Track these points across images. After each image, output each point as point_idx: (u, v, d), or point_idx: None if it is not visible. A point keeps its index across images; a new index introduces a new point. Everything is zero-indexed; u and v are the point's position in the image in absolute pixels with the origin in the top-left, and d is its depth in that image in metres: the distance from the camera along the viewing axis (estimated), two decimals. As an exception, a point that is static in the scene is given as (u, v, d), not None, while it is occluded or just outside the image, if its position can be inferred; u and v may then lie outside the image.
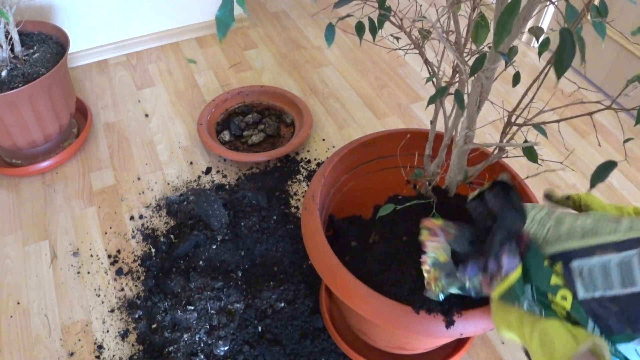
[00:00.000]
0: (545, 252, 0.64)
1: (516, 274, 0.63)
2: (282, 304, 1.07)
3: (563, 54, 0.39)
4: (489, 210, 0.71)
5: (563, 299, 0.60)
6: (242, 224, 1.21)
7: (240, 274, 1.15)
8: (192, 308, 1.05)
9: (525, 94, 0.71)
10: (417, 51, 0.74)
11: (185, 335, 1.02)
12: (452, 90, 0.68)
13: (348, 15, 0.67)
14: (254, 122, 1.55)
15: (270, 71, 1.79)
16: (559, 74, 0.40)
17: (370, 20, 0.68)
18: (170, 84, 1.72)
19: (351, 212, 1.01)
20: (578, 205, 0.73)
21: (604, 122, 1.61)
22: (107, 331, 1.09)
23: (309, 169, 1.44)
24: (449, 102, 1.51)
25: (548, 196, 0.77)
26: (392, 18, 0.69)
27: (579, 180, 1.43)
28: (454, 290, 0.70)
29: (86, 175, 1.41)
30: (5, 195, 1.35)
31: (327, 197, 0.95)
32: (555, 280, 0.61)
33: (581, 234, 0.62)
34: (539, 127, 0.66)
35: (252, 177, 1.40)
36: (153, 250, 1.22)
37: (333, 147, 1.51)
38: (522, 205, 0.68)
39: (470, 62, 0.58)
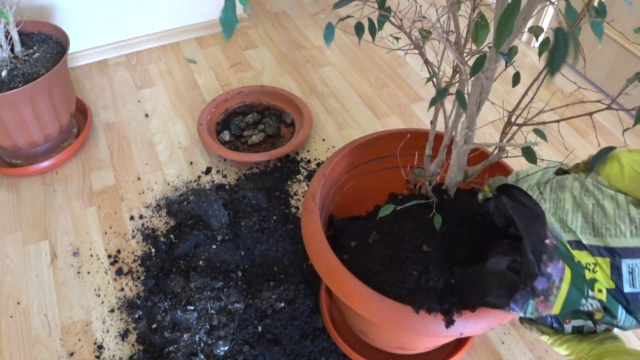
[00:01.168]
0: (587, 239, 0.64)
1: (567, 275, 0.62)
2: (282, 304, 1.07)
3: (556, 53, 0.40)
4: (501, 211, 0.72)
5: (599, 292, 0.61)
6: (242, 224, 1.21)
7: (240, 274, 1.15)
8: (192, 308, 1.05)
9: (525, 93, 0.71)
10: (417, 51, 0.74)
11: (185, 335, 1.02)
12: (452, 90, 0.68)
13: (348, 16, 0.67)
14: (254, 122, 1.55)
15: (270, 71, 1.79)
16: (552, 72, 0.40)
17: (370, 20, 0.68)
18: (170, 84, 1.72)
19: (351, 212, 1.01)
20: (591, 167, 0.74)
21: (604, 122, 1.61)
22: (107, 331, 1.09)
23: (309, 169, 1.44)
24: (449, 102, 1.51)
25: (560, 172, 0.76)
26: (392, 18, 0.69)
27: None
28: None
29: (86, 175, 1.41)
30: (5, 195, 1.35)
31: (327, 197, 0.95)
32: (590, 275, 0.62)
33: (630, 229, 0.63)
34: (539, 131, 0.66)
35: (252, 177, 1.40)
36: (153, 250, 1.22)
37: (333, 147, 1.51)
38: (536, 204, 0.67)
39: (471, 62, 0.58)
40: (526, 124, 0.71)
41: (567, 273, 0.62)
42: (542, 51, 0.65)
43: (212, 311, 1.06)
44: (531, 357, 1.07)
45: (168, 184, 1.40)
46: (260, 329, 1.05)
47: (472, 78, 0.65)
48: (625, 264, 0.61)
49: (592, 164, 0.67)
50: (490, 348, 1.08)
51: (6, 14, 1.21)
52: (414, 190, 0.90)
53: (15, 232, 1.27)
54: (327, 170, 0.91)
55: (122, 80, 1.73)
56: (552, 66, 0.40)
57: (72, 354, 1.06)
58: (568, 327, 0.70)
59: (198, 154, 1.48)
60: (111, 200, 1.35)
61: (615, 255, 0.62)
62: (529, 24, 1.86)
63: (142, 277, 1.18)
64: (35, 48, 1.34)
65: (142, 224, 1.29)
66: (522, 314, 0.65)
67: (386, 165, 1.02)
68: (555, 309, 0.63)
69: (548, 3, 0.54)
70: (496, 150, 0.78)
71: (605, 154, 0.66)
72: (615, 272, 0.62)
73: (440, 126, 0.80)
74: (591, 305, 0.62)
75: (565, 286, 0.62)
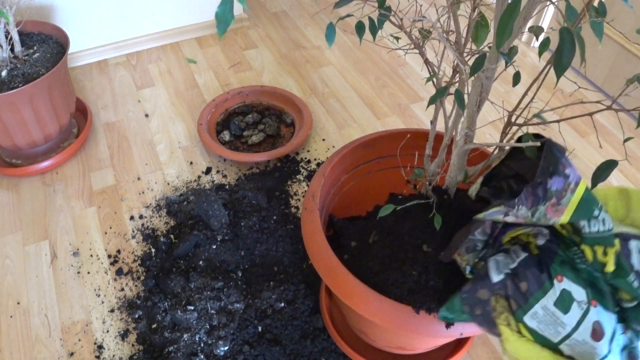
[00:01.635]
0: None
1: (582, 187, 0.61)
2: (282, 304, 1.07)
3: (562, 54, 0.40)
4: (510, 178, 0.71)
5: (604, 256, 0.63)
6: (242, 224, 1.21)
7: (240, 274, 1.15)
8: (192, 308, 1.05)
9: (525, 94, 0.71)
10: (417, 51, 0.74)
11: (185, 335, 1.02)
12: (452, 90, 0.68)
13: (348, 15, 0.67)
14: (254, 122, 1.55)
15: (270, 71, 1.79)
16: (559, 73, 0.40)
17: (371, 20, 0.68)
18: (170, 84, 1.72)
19: (351, 212, 1.01)
20: None
21: (604, 122, 1.61)
22: (107, 331, 1.09)
23: (309, 169, 1.44)
24: (449, 102, 1.51)
25: None
26: (392, 18, 0.69)
27: (579, 180, 1.43)
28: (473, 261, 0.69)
29: (86, 175, 1.41)
30: (5, 195, 1.35)
31: (327, 197, 0.95)
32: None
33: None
34: (530, 136, 0.66)
35: (252, 177, 1.40)
36: (153, 250, 1.22)
37: (333, 147, 1.51)
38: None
39: (471, 62, 0.58)
40: (526, 124, 0.71)
41: (582, 185, 0.61)
42: (542, 51, 0.65)
43: (212, 311, 1.06)
44: (531, 357, 1.07)
45: (168, 184, 1.40)
46: (260, 329, 1.05)
47: (472, 78, 0.65)
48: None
49: (595, 182, 0.66)
50: (490, 348, 1.08)
51: (6, 14, 1.21)
52: (414, 190, 0.90)
53: (15, 232, 1.27)
54: (327, 170, 0.91)
55: (122, 80, 1.73)
56: (560, 68, 0.40)
57: (72, 354, 1.06)
58: (558, 287, 0.65)
59: (198, 154, 1.48)
60: (111, 200, 1.35)
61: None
62: (529, 23, 1.86)
63: (142, 277, 1.18)
64: (35, 48, 1.34)
65: (142, 224, 1.29)
66: (530, 216, 0.63)
67: (386, 165, 1.02)
68: (566, 215, 0.61)
69: (548, 3, 0.54)
70: (496, 150, 0.78)
71: (605, 170, 0.65)
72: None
73: (440, 126, 0.81)
74: (603, 221, 0.61)
75: (579, 192, 0.61)
